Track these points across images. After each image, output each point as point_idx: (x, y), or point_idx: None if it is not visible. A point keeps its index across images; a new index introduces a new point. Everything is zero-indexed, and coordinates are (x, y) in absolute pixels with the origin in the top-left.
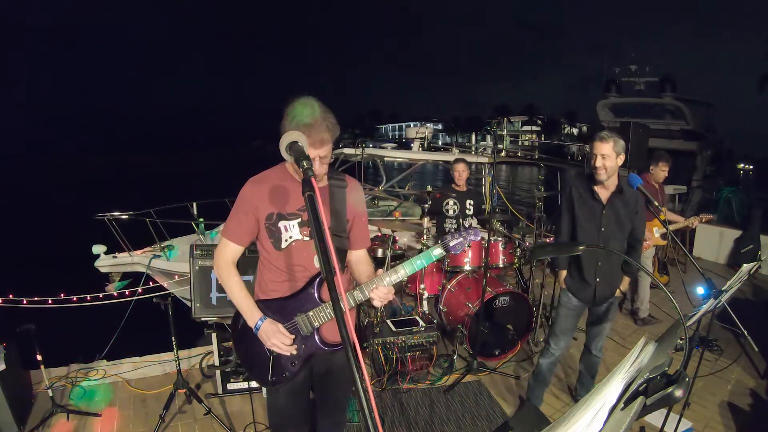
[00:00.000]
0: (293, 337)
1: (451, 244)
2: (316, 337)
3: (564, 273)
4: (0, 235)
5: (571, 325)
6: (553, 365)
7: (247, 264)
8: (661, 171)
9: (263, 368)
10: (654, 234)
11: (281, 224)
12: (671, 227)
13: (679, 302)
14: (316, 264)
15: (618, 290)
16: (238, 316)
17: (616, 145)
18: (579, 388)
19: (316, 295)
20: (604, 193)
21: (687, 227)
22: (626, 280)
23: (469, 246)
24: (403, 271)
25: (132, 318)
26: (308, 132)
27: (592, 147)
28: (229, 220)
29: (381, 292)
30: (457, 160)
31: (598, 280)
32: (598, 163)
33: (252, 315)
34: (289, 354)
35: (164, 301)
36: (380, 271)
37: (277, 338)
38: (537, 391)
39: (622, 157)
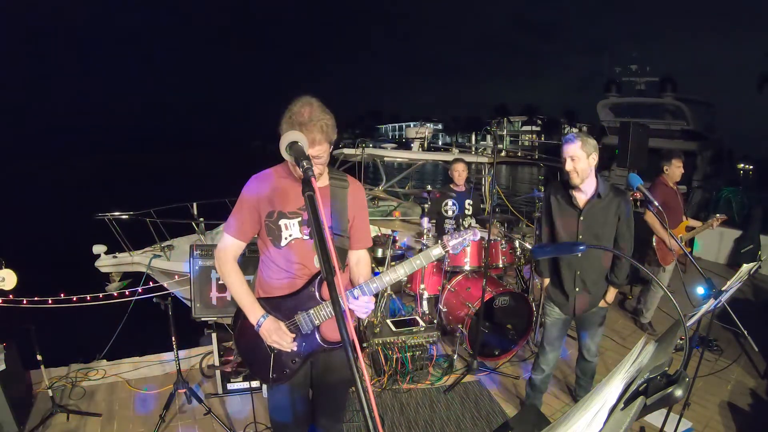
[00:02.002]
0: (294, 335)
1: (451, 243)
2: (317, 335)
3: (547, 281)
4: (0, 235)
5: (558, 335)
6: (547, 378)
7: (247, 263)
8: (676, 168)
9: (264, 365)
10: (677, 243)
11: (281, 222)
12: (693, 233)
13: (679, 302)
14: (316, 263)
15: (603, 301)
16: (239, 312)
17: (585, 144)
18: (578, 389)
19: (316, 293)
20: (581, 198)
21: (707, 230)
22: (612, 290)
23: (468, 246)
24: (402, 271)
25: (132, 318)
26: (301, 131)
27: (562, 150)
28: (231, 216)
29: (362, 302)
30: (456, 160)
31: (577, 290)
32: (569, 166)
33: (254, 312)
34: (289, 351)
35: (164, 301)
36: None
37: (278, 335)
38: (536, 401)
39: (595, 157)
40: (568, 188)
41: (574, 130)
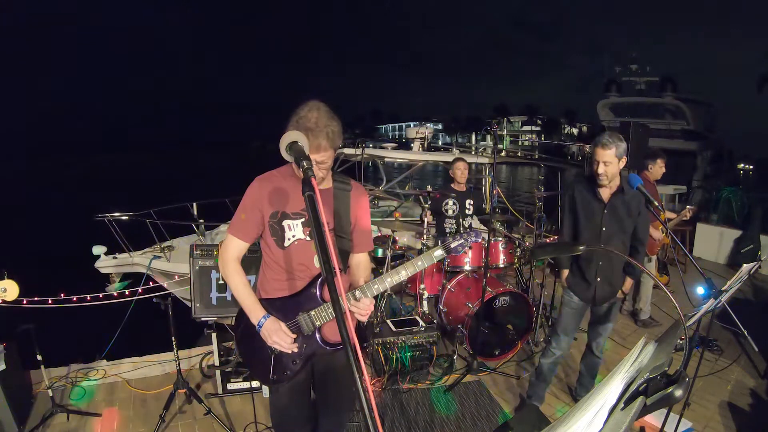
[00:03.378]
0: (294, 336)
1: (452, 245)
2: (318, 337)
3: (566, 272)
4: (0, 235)
5: (573, 324)
6: (554, 365)
7: (248, 263)
8: (659, 168)
9: (265, 367)
10: (661, 233)
11: (285, 223)
12: (669, 225)
13: (679, 302)
14: (317, 263)
15: (620, 291)
16: (241, 313)
17: (618, 149)
18: (579, 388)
19: (318, 294)
20: (605, 193)
21: (681, 220)
22: (629, 281)
23: (470, 247)
24: (404, 272)
25: (132, 318)
26: (308, 136)
27: (593, 152)
28: (235, 216)
29: (363, 305)
30: (456, 160)
31: (598, 280)
32: (601, 170)
33: (255, 312)
34: (290, 352)
35: (164, 301)
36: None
37: (278, 336)
38: (538, 390)
39: (624, 160)
40: (592, 184)
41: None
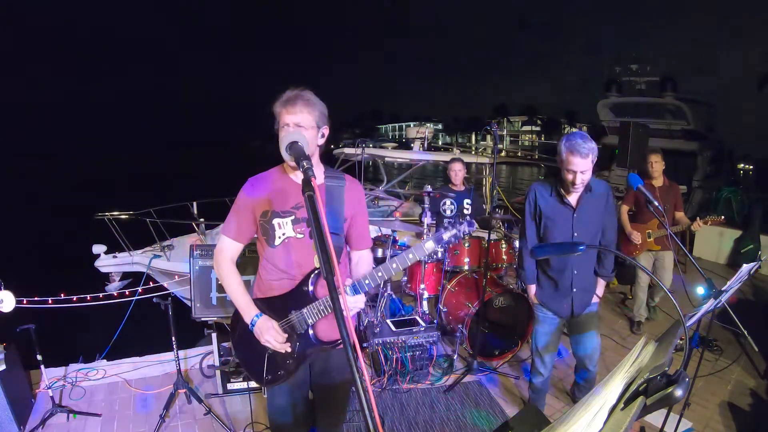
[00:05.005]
0: (286, 335)
1: (445, 237)
2: (311, 335)
3: (533, 288)
4: (0, 234)
5: (553, 339)
6: (547, 380)
7: (246, 263)
8: (650, 166)
9: (259, 366)
10: (648, 238)
11: (275, 222)
12: (673, 229)
13: (679, 302)
14: (316, 263)
15: (595, 295)
16: (237, 314)
17: (593, 154)
18: (577, 392)
19: (310, 292)
20: (573, 196)
21: (688, 230)
22: (601, 283)
23: (463, 237)
24: (395, 265)
25: (132, 318)
26: (285, 104)
27: (567, 160)
28: (228, 217)
29: (351, 300)
30: (453, 160)
31: (575, 290)
32: (578, 180)
33: (248, 312)
34: (283, 351)
35: (164, 301)
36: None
37: (269, 334)
38: (539, 402)
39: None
40: (558, 187)
41: (575, 130)
